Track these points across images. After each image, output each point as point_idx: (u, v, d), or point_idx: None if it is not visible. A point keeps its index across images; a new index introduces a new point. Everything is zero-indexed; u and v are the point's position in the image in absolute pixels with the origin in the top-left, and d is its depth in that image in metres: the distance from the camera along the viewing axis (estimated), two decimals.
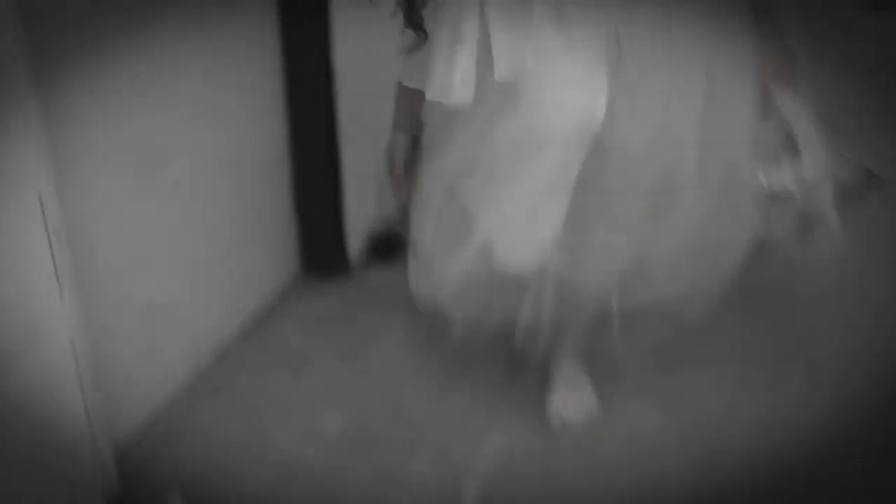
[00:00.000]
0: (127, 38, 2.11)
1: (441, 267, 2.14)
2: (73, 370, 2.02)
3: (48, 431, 2.00)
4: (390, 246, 2.88)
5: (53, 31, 1.93)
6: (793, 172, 2.05)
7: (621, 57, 1.96)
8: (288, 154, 2.74)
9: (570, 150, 1.98)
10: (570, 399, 2.41)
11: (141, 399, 2.38)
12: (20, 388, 1.92)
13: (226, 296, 2.63)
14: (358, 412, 2.45)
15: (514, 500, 2.24)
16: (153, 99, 2.22)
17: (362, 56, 2.65)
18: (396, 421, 2.43)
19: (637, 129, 1.99)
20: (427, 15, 1.98)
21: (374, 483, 2.27)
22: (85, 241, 2.07)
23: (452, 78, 1.97)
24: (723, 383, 2.48)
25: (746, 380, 2.50)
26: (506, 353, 2.47)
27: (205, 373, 2.55)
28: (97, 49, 2.05)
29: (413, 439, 2.37)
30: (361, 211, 2.88)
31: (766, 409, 2.41)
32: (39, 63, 1.86)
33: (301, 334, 2.69)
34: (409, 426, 2.41)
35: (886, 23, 3.91)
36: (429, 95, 2.01)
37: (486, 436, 2.36)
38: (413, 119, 2.19)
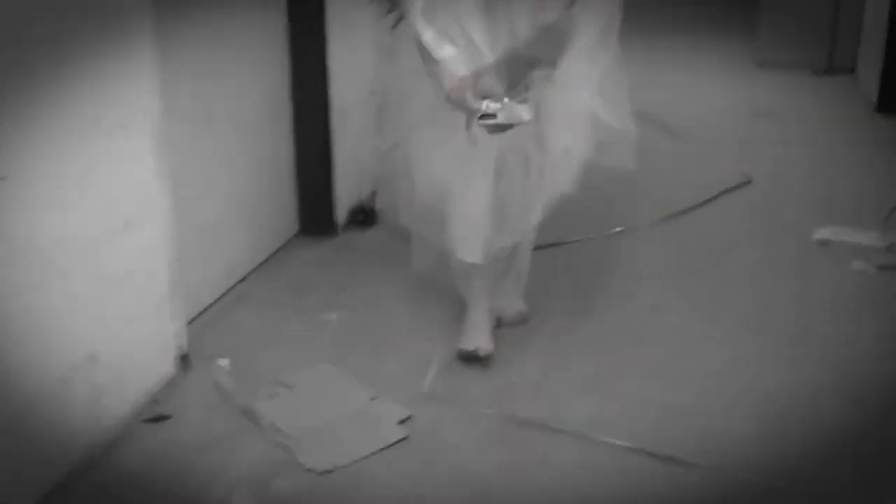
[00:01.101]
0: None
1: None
2: (166, 248, 2.90)
3: (145, 291, 2.86)
4: (365, 216, 3.88)
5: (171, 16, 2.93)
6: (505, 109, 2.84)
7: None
8: (294, 147, 3.76)
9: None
10: (474, 337, 3.12)
11: (192, 298, 3.24)
12: (133, 254, 2.79)
13: (248, 239, 3.56)
14: (347, 313, 3.35)
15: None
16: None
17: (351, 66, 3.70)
18: (378, 318, 3.33)
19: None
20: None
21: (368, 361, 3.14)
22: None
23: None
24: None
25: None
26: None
27: (233, 287, 3.46)
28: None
29: (389, 334, 3.26)
30: (346, 189, 3.87)
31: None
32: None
33: (301, 270, 3.63)
34: (388, 321, 3.32)
35: None
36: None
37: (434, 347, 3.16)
38: None
